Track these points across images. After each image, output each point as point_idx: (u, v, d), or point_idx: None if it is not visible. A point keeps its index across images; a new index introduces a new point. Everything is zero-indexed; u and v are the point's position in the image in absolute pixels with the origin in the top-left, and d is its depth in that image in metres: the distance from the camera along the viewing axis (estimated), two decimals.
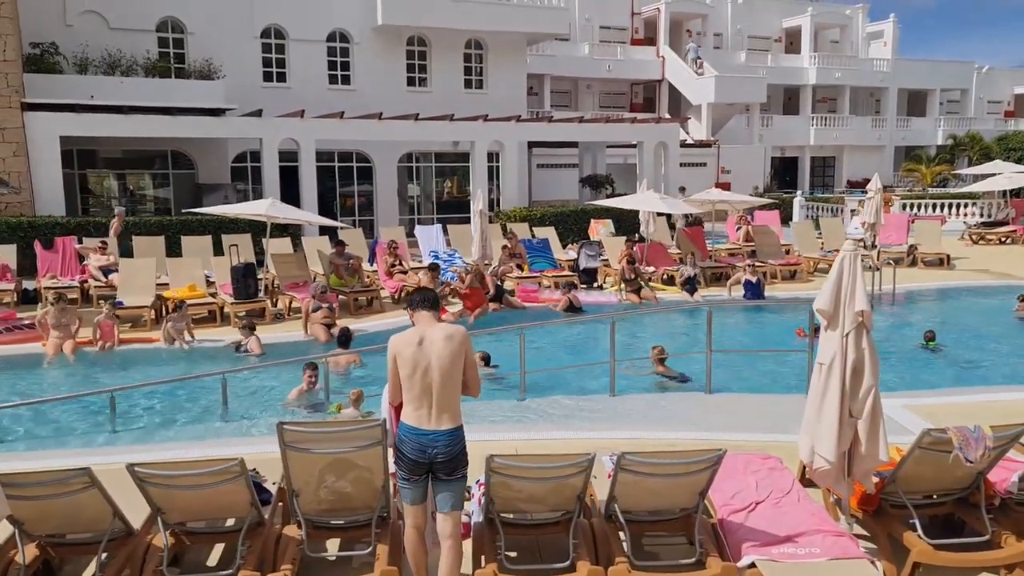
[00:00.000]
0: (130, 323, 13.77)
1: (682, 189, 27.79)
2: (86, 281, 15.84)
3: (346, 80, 26.12)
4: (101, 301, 14.04)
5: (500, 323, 13.74)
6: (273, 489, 5.70)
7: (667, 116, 36.35)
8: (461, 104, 25.94)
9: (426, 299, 4.98)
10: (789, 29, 43.86)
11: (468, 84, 27.88)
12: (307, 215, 16.20)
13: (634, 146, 27.59)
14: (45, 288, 15.21)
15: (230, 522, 5.30)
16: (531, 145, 29.16)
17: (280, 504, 5.62)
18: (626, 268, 16.24)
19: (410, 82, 26.97)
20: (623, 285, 16.08)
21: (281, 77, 25.30)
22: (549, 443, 7.60)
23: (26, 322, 12.87)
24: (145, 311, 13.74)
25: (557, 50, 35.97)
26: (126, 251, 16.96)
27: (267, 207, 14.96)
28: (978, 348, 12.39)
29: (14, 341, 12.35)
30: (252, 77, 24.56)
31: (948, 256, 20.11)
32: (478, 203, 17.35)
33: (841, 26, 45.06)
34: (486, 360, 10.53)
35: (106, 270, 15.81)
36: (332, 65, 25.98)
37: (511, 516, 5.37)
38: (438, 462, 4.68)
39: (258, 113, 21.41)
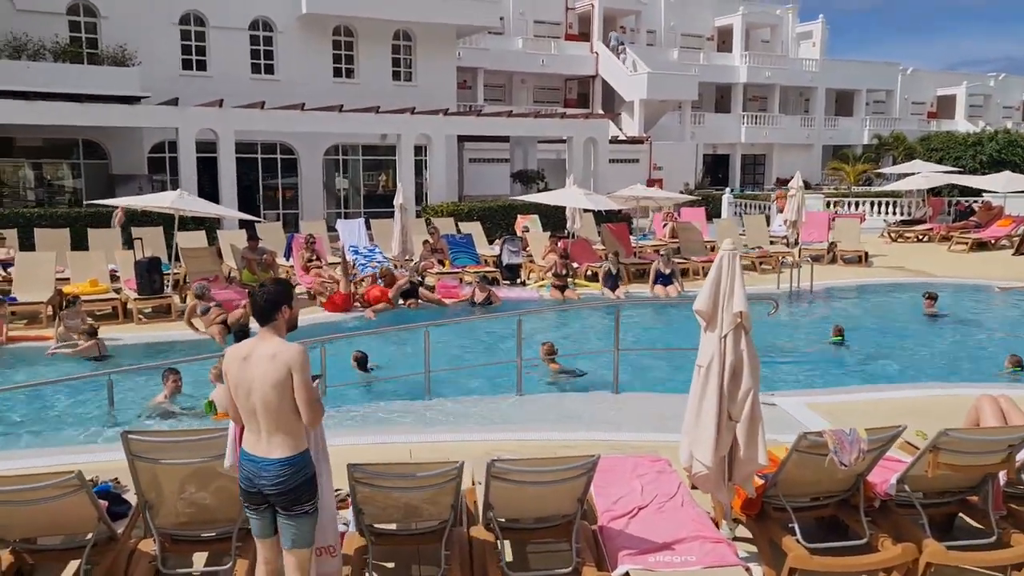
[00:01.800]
0: (26, 320, 13.12)
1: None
2: None
3: (270, 70, 25.44)
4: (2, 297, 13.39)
5: (420, 319, 13.45)
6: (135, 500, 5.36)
7: (600, 112, 36.40)
8: (389, 97, 25.49)
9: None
10: (721, 27, 44.39)
11: (397, 76, 27.42)
12: (216, 208, 15.66)
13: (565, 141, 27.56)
14: None
15: (89, 536, 4.94)
16: (462, 139, 28.88)
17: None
18: (559, 263, 16.09)
19: (336, 73, 26.41)
20: (553, 280, 15.88)
21: (201, 65, 24.50)
22: (448, 446, 7.37)
23: None
24: (41, 307, 13.09)
25: (491, 44, 35.72)
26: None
27: (174, 199, 14.40)
28: (886, 345, 12.52)
29: None
30: (170, 65, 23.72)
31: (866, 253, 20.48)
32: (399, 197, 17.05)
33: (772, 26, 45.82)
34: (361, 362, 10.10)
35: (6, 264, 15.08)
36: (255, 54, 25.28)
37: (389, 526, 5.14)
38: (270, 494, 4.08)
39: (174, 102, 20.66)
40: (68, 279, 14.25)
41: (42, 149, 23.42)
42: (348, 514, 5.65)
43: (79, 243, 16.57)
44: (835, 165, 36.30)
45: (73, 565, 5.21)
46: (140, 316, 13.38)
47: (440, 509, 4.93)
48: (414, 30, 27.37)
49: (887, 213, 28.22)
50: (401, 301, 14.36)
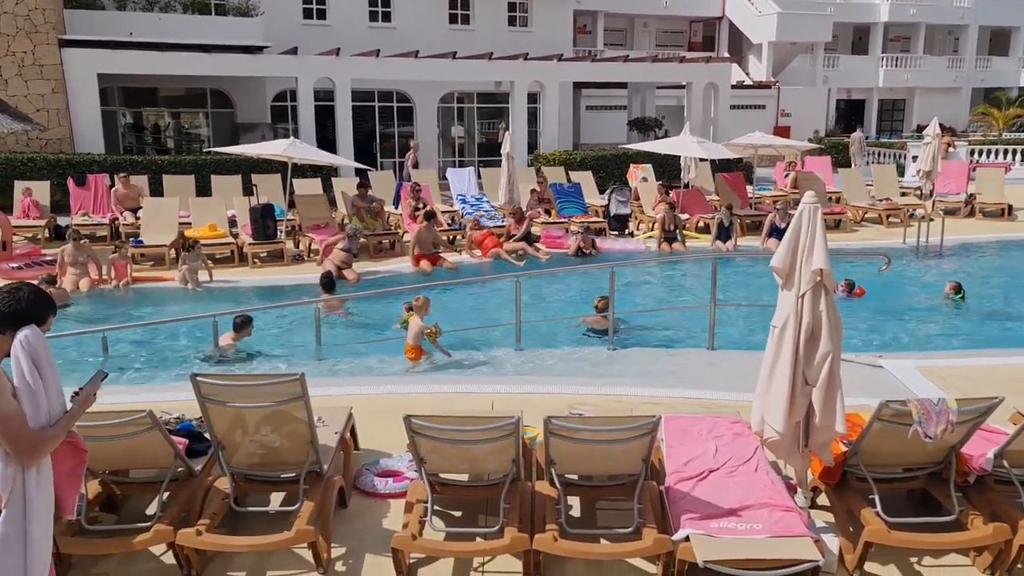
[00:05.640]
0: (152, 261, 13.90)
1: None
2: (116, 219, 16.06)
3: (387, 17, 25.60)
4: (130, 239, 14.25)
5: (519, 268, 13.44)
6: None
7: (726, 55, 34.86)
8: (504, 43, 25.22)
9: (11, 308, 3.09)
10: None
11: (512, 22, 27.04)
12: (326, 156, 16.01)
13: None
14: (74, 225, 15.44)
15: (168, 471, 5.19)
16: (579, 86, 28.32)
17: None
18: (667, 215, 15.61)
19: (452, 20, 26.30)
20: (661, 233, 15.45)
21: (321, 15, 24.92)
22: (532, 398, 7.33)
23: (48, 258, 13.11)
24: (165, 250, 13.84)
25: None
26: None
27: (286, 147, 14.80)
28: (1016, 305, 11.54)
29: (34, 277, 12.55)
30: (292, 14, 24.25)
31: (1010, 206, 18.88)
32: (506, 145, 16.93)
33: None
34: None
35: (135, 209, 15.99)
36: (373, 2, 25.45)
37: (451, 476, 5.17)
38: None
39: (293, 51, 21.16)
40: (190, 223, 14.98)
41: (179, 98, 24.62)
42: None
43: (204, 189, 17.38)
44: (983, 110, 33.48)
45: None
46: (255, 260, 13.93)
47: (500, 462, 4.89)
48: None
49: None
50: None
